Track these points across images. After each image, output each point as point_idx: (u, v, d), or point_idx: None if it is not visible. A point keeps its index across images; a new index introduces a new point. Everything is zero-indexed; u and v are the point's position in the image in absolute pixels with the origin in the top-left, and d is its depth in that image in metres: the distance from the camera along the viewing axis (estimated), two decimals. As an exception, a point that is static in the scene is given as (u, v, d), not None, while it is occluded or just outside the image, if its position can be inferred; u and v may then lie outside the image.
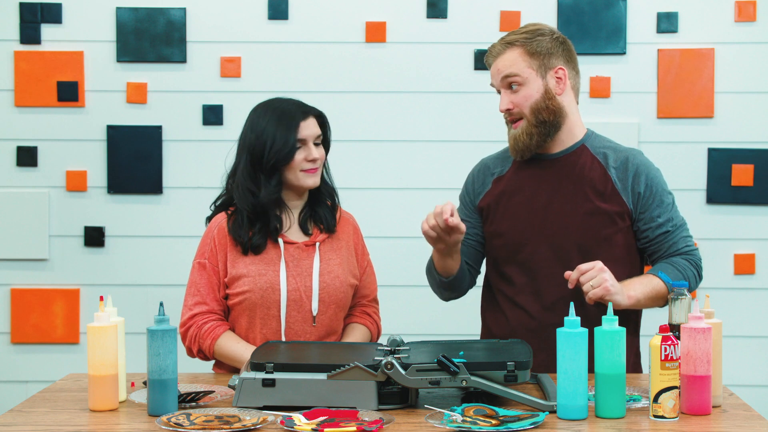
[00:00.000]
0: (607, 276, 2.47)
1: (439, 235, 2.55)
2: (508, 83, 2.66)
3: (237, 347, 2.66)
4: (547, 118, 2.66)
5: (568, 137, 2.71)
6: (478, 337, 2.88)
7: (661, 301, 2.61)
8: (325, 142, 2.78)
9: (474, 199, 2.81)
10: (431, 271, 2.78)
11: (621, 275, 2.59)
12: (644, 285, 2.58)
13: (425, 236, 2.57)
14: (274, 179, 2.70)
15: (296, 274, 2.71)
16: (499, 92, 2.71)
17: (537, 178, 2.72)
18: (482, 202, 2.78)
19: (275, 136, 2.68)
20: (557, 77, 2.67)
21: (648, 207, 2.68)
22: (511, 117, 2.68)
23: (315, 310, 2.70)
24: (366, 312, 2.84)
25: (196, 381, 2.56)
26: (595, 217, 2.66)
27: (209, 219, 2.79)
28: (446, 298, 2.86)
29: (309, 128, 2.72)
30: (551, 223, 2.67)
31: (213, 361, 2.77)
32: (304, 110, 2.73)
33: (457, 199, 2.89)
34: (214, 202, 2.80)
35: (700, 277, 2.72)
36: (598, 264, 2.48)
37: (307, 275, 2.71)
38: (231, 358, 2.66)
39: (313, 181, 2.73)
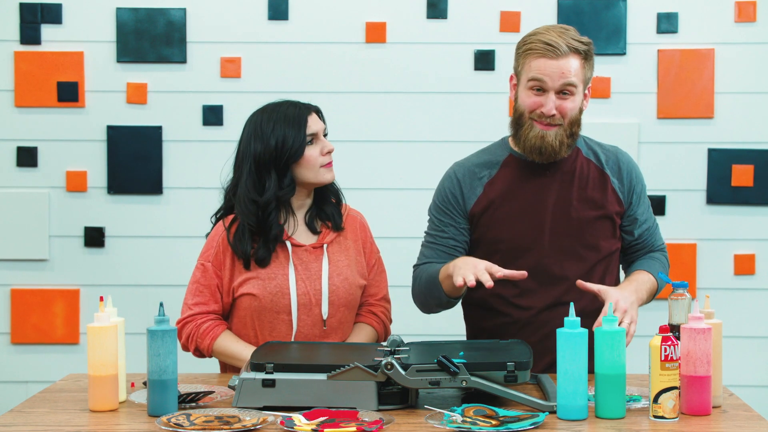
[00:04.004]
0: (635, 311, 2.51)
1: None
2: (564, 89, 2.60)
3: (236, 346, 2.66)
4: (576, 131, 2.65)
5: None
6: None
7: (651, 297, 2.71)
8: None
9: (464, 204, 2.73)
10: (432, 291, 2.67)
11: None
12: (647, 291, 2.67)
13: (457, 279, 2.48)
14: (287, 178, 2.67)
15: (305, 278, 2.69)
16: (538, 89, 2.61)
17: (536, 182, 2.69)
18: (475, 208, 2.71)
19: (285, 134, 2.65)
20: (584, 93, 2.68)
21: (637, 204, 2.74)
22: (552, 121, 2.61)
23: (325, 314, 2.69)
24: (372, 311, 2.82)
25: (196, 381, 2.56)
26: (600, 220, 2.68)
27: (207, 236, 2.78)
28: (434, 312, 2.79)
29: (316, 123, 2.71)
30: (557, 228, 2.67)
31: (210, 360, 2.77)
32: (306, 106, 2.73)
33: (437, 206, 2.81)
34: (215, 213, 2.79)
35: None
36: (629, 303, 2.50)
37: (316, 278, 2.70)
38: (230, 357, 2.66)
39: (331, 175, 2.73)
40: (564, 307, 2.64)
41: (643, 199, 2.76)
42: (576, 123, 2.64)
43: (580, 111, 2.65)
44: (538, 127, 2.62)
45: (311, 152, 2.68)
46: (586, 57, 2.63)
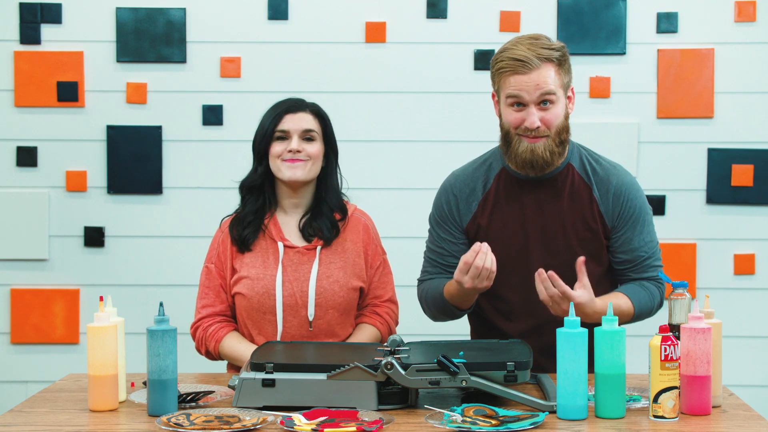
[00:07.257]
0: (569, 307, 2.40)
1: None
2: (543, 100, 2.56)
3: (240, 347, 2.68)
4: (565, 138, 2.62)
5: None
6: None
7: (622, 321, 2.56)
8: (326, 139, 2.79)
9: (461, 220, 2.73)
10: (439, 306, 2.70)
11: (603, 293, 2.62)
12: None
13: (463, 281, 2.50)
14: (261, 167, 2.77)
15: (293, 279, 2.71)
16: (517, 104, 2.58)
17: (527, 199, 2.67)
18: (470, 225, 2.72)
19: (263, 124, 2.77)
20: (568, 96, 2.64)
21: (625, 229, 2.66)
22: (537, 134, 2.58)
23: (311, 316, 2.70)
24: (376, 312, 2.82)
25: (196, 381, 2.56)
26: (587, 239, 2.65)
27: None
28: (441, 320, 2.81)
29: (295, 122, 2.75)
30: (545, 246, 2.65)
31: (219, 361, 2.79)
32: (296, 104, 2.78)
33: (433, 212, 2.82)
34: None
35: (660, 305, 2.71)
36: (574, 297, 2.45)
37: (304, 280, 2.71)
38: (235, 359, 2.69)
39: (290, 173, 2.73)
40: (550, 325, 2.62)
41: (638, 226, 2.66)
42: (564, 130, 2.61)
43: (566, 116, 2.62)
44: (525, 142, 2.59)
45: (276, 147, 2.75)
46: (561, 63, 2.59)
